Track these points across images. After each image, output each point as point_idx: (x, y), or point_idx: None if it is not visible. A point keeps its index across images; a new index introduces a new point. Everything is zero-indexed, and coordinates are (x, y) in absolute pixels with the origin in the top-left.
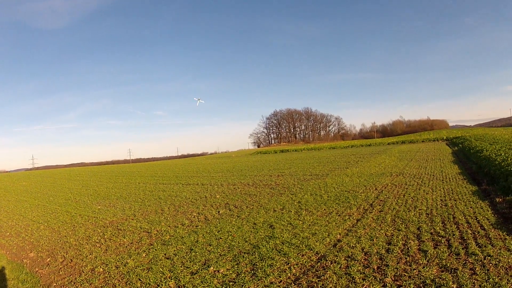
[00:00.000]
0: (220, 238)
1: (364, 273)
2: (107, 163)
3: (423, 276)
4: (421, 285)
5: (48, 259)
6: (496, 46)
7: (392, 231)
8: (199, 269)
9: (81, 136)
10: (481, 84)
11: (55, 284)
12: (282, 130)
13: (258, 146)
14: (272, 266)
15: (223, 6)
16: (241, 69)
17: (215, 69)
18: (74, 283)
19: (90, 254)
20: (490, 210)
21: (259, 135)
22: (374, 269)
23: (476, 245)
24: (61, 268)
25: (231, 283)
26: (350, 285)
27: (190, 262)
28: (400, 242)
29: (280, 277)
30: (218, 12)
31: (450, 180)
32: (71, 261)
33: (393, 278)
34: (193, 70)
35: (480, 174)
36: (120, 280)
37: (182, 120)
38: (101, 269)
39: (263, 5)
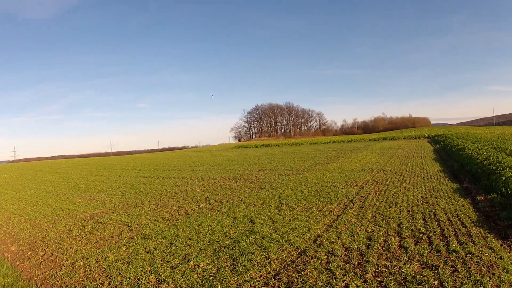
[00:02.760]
0: (200, 232)
1: (344, 268)
2: (88, 155)
3: (404, 272)
4: (402, 281)
5: (29, 253)
6: (481, 45)
7: (372, 227)
8: (179, 263)
9: (64, 127)
10: (465, 83)
11: (36, 278)
12: (264, 125)
13: (239, 140)
14: (252, 261)
15: None
16: (224, 62)
17: (198, 62)
18: (55, 277)
19: (70, 247)
20: (472, 208)
21: (240, 129)
22: (354, 264)
23: (458, 243)
24: (42, 262)
25: (211, 278)
26: (331, 280)
27: (170, 256)
28: (381, 238)
29: (260, 272)
30: (201, 5)
31: (431, 178)
32: (52, 254)
33: (373, 274)
34: (176, 63)
35: (462, 172)
36: (101, 274)
37: (164, 113)
38: (82, 263)
39: None
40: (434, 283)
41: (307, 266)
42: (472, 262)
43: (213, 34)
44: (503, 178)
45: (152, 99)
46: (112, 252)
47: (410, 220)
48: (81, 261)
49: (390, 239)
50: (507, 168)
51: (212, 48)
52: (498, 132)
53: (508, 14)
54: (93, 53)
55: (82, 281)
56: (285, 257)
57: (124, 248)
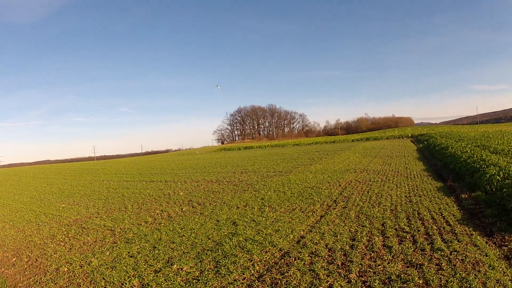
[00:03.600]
0: (183, 236)
1: (328, 269)
2: (72, 160)
3: (388, 272)
4: (386, 281)
5: (14, 259)
6: (464, 46)
7: (356, 227)
8: (162, 267)
9: (47, 133)
10: (448, 82)
11: (21, 284)
12: (246, 127)
13: (222, 143)
14: (235, 263)
15: (190, 2)
16: (206, 66)
17: (181, 66)
18: (39, 283)
19: (54, 253)
20: (456, 206)
21: (223, 131)
22: (338, 265)
23: (442, 241)
24: (26, 268)
25: (194, 281)
26: (314, 281)
27: (153, 260)
28: (365, 238)
29: (243, 274)
30: (184, 8)
31: (414, 177)
32: (36, 260)
33: (357, 274)
34: (159, 67)
35: (445, 170)
36: (85, 279)
37: (147, 117)
38: (66, 269)
39: (229, 1)
40: (419, 282)
41: (291, 268)
42: (457, 260)
43: (195, 39)
44: (487, 176)
45: (135, 103)
46: (95, 257)
47: (394, 220)
48: (65, 266)
49: (374, 238)
50: (491, 166)
51: (194, 52)
52: (482, 130)
53: (490, 15)
54: (76, 58)
55: (66, 286)
56: (269, 258)
57: (107, 253)
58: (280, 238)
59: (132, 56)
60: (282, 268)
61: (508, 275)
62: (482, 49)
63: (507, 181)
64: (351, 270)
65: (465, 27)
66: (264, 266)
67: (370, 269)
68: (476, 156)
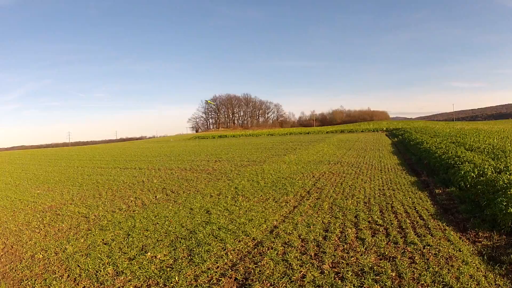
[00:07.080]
0: (157, 223)
1: (301, 259)
2: (46, 146)
3: (361, 263)
4: (359, 272)
5: None
6: (442, 42)
7: (329, 219)
8: (136, 254)
9: (22, 117)
10: (425, 78)
11: None
12: (221, 116)
13: (197, 131)
14: (209, 251)
15: None
16: (182, 52)
17: (155, 52)
18: (15, 270)
19: (30, 240)
20: (430, 201)
21: (197, 119)
22: (311, 255)
23: (415, 235)
24: (2, 255)
25: (168, 269)
26: (288, 271)
27: (127, 247)
28: (338, 230)
29: (217, 263)
30: None
31: (388, 170)
32: (12, 247)
33: (330, 265)
34: (134, 52)
35: (420, 165)
36: (60, 266)
37: (122, 103)
38: (41, 256)
39: None
40: (392, 275)
41: (264, 257)
42: (430, 254)
43: (171, 24)
44: (462, 172)
45: (110, 89)
46: (70, 244)
47: (367, 212)
48: (40, 253)
49: (347, 230)
50: (466, 163)
51: (170, 37)
52: (458, 127)
53: (471, 14)
54: (50, 41)
55: (42, 274)
56: (242, 248)
57: (82, 240)
58: (253, 227)
59: (106, 41)
60: (256, 258)
61: (481, 271)
62: (460, 46)
63: (481, 178)
64: (324, 261)
65: (444, 24)
66: (238, 255)
67: (343, 261)
68: (451, 152)
